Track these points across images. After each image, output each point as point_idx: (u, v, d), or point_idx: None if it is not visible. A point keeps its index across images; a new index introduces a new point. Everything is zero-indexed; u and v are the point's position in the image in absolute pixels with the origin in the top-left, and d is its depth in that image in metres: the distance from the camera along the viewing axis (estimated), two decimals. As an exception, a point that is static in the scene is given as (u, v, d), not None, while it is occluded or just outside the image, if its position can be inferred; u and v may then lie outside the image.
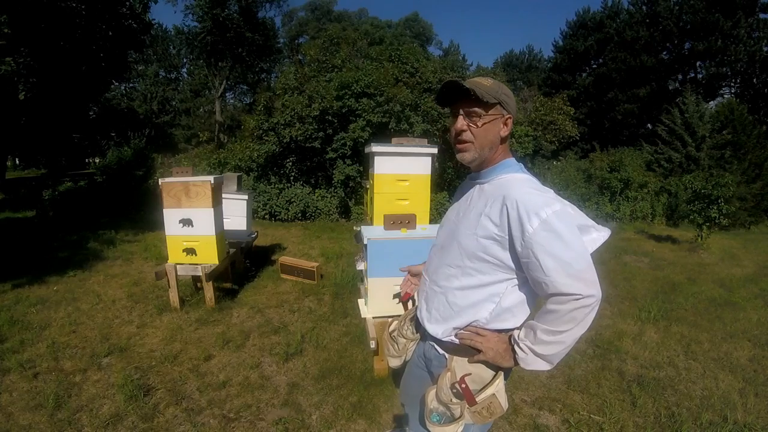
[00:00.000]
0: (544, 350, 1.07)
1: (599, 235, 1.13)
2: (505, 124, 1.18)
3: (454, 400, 1.20)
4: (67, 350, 3.09)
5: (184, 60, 30.91)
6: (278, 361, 2.98)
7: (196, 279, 4.31)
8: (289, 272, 4.79)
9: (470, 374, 1.20)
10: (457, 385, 1.18)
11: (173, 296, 3.85)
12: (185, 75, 32.48)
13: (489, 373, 1.19)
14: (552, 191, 1.11)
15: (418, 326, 1.40)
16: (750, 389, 2.73)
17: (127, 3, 10.91)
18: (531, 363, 1.11)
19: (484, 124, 1.15)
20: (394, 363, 1.50)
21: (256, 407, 2.47)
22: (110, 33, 10.74)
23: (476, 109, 1.15)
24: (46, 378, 2.72)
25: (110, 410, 2.39)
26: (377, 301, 2.73)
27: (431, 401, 1.24)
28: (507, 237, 1.08)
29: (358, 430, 2.30)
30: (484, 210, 1.14)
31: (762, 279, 5.38)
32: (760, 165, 11.11)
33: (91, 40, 10.37)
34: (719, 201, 6.70)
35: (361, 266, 3.15)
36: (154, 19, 13.97)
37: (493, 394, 1.16)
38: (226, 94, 27.65)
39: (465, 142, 1.18)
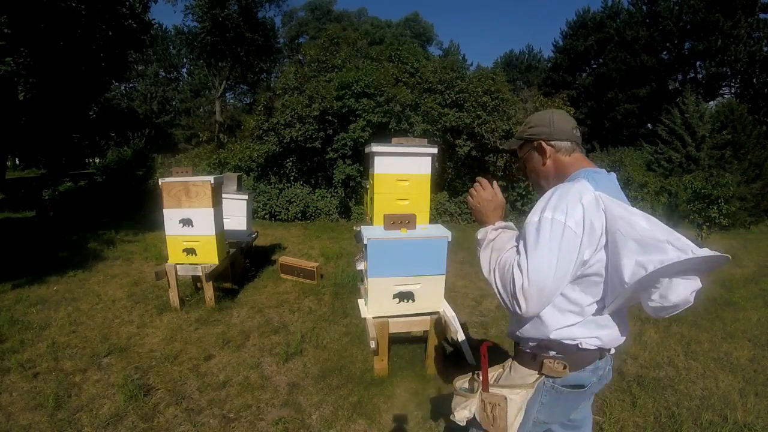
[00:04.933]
0: (481, 257, 1.20)
1: (677, 254, 0.94)
2: (540, 151, 1.25)
3: (478, 377, 1.25)
4: (67, 350, 3.09)
5: (184, 60, 30.90)
6: (278, 361, 2.98)
7: (196, 279, 4.31)
8: (289, 272, 4.79)
9: (506, 372, 1.25)
10: (482, 352, 1.22)
11: (173, 296, 3.85)
12: (185, 75, 32.52)
13: (520, 382, 1.21)
14: (589, 201, 1.04)
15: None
16: (750, 389, 2.73)
17: (127, 3, 10.91)
18: (479, 234, 1.26)
19: (525, 164, 1.32)
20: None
21: (256, 407, 2.47)
22: (110, 33, 10.74)
23: (517, 152, 1.34)
24: (46, 378, 2.72)
25: (110, 410, 2.39)
26: (377, 301, 2.73)
27: (468, 375, 1.31)
28: None
29: (358, 430, 2.30)
30: None
31: (762, 279, 5.38)
32: (760, 165, 11.11)
33: (91, 40, 10.37)
34: (719, 201, 6.71)
35: (361, 266, 3.15)
36: (154, 19, 13.98)
37: (505, 397, 1.16)
38: (226, 94, 27.65)
39: (531, 183, 1.35)
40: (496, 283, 1.11)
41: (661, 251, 0.95)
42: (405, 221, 2.73)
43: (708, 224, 6.89)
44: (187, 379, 2.73)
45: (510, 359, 1.29)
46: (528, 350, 1.21)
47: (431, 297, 2.78)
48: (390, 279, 2.68)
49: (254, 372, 2.84)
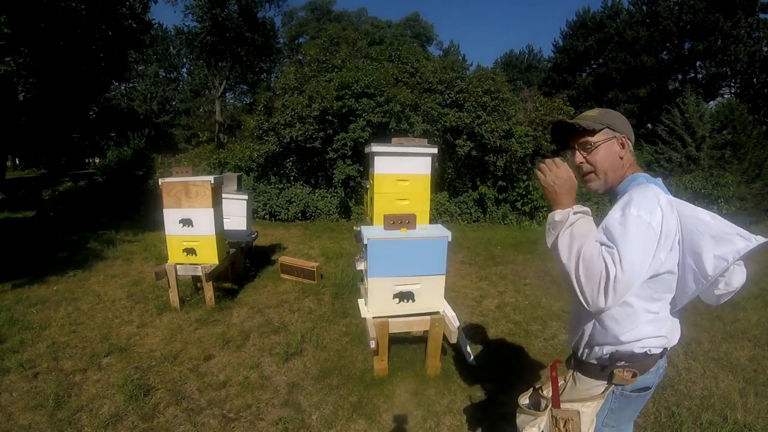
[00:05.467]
0: (563, 244, 1.11)
1: (746, 244, 1.06)
2: (622, 144, 1.22)
3: (545, 393, 1.24)
4: (67, 350, 3.09)
5: (184, 60, 30.91)
6: (278, 361, 2.98)
7: (196, 279, 4.31)
8: (289, 272, 4.79)
9: (569, 383, 1.24)
10: (552, 373, 1.21)
11: (173, 296, 3.85)
12: (185, 75, 32.51)
13: (590, 393, 1.20)
14: (665, 204, 1.09)
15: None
16: (750, 389, 2.73)
17: (127, 3, 10.90)
18: (555, 217, 1.16)
19: (598, 149, 1.21)
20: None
21: (256, 407, 2.47)
22: (110, 33, 10.74)
23: (587, 139, 1.22)
24: (46, 378, 2.72)
25: (110, 410, 2.39)
26: (377, 301, 2.73)
27: (531, 392, 1.30)
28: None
29: (358, 430, 2.30)
30: None
31: (762, 279, 5.37)
32: (760, 165, 11.11)
33: (91, 40, 10.37)
34: (719, 201, 6.70)
35: (361, 266, 3.15)
36: (154, 19, 13.98)
37: (578, 411, 1.16)
38: (226, 94, 27.64)
39: (586, 173, 1.25)
40: (578, 273, 1.05)
41: (732, 243, 1.06)
42: (405, 221, 2.73)
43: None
44: (187, 379, 2.73)
45: (571, 371, 1.28)
46: (595, 361, 1.21)
47: (431, 297, 2.78)
48: (390, 279, 2.68)
49: (254, 372, 2.84)
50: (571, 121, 1.23)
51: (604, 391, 1.18)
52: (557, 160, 1.22)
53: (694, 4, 20.68)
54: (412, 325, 2.84)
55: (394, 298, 2.73)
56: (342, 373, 2.84)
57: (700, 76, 22.60)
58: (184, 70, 32.36)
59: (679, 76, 23.24)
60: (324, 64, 10.45)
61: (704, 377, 2.89)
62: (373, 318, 2.72)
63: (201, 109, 29.40)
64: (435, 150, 3.10)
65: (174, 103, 30.13)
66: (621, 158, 1.22)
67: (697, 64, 22.54)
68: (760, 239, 1.05)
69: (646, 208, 1.06)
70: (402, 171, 3.06)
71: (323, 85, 9.40)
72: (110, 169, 10.11)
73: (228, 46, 22.17)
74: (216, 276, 4.00)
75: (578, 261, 1.06)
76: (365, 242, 2.64)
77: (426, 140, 3.24)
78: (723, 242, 1.06)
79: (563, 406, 1.18)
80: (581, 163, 1.24)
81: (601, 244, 1.07)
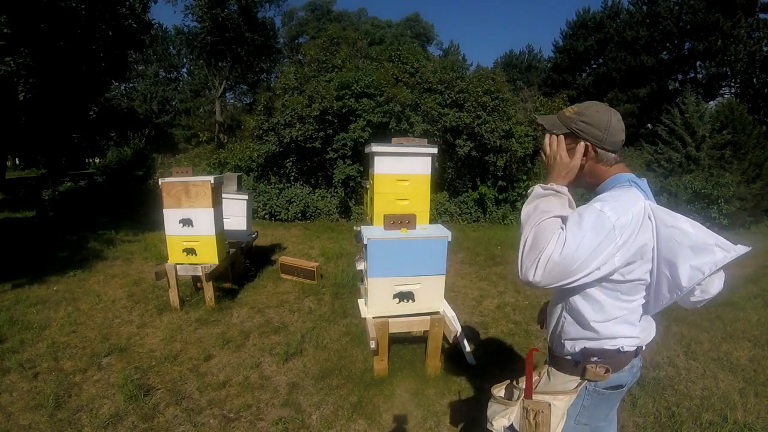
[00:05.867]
0: (526, 209, 1.14)
1: (725, 255, 1.02)
2: (584, 153, 1.18)
3: (519, 385, 1.25)
4: (67, 350, 3.09)
5: (184, 60, 30.92)
6: (278, 361, 2.98)
7: (196, 279, 4.31)
8: (289, 272, 4.79)
9: (544, 378, 1.24)
10: (527, 360, 1.21)
11: (173, 296, 3.85)
12: (185, 75, 32.52)
13: (562, 388, 1.20)
14: (641, 211, 1.07)
15: None
16: (750, 389, 2.73)
17: (127, 3, 10.90)
18: (529, 194, 1.20)
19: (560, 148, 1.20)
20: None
21: (256, 407, 2.47)
22: (110, 33, 10.73)
23: (554, 133, 1.21)
24: (46, 378, 2.72)
25: (110, 410, 2.39)
26: (377, 301, 2.73)
27: (505, 383, 1.30)
28: None
29: (358, 430, 2.30)
30: None
31: (762, 279, 5.37)
32: (760, 165, 11.10)
33: (91, 40, 10.36)
34: (719, 201, 6.70)
35: (361, 266, 3.15)
36: (154, 19, 13.97)
37: (549, 404, 1.16)
38: (226, 94, 27.65)
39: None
40: (526, 241, 1.06)
41: (711, 253, 1.02)
42: (405, 221, 2.73)
43: (708, 224, 6.88)
44: (187, 379, 2.73)
45: (546, 366, 1.29)
46: (568, 357, 1.21)
47: (431, 297, 2.78)
48: (390, 279, 2.68)
49: (254, 372, 2.84)
50: (539, 119, 1.24)
51: (576, 387, 1.18)
52: (562, 141, 1.20)
53: (694, 4, 20.69)
54: (412, 325, 2.84)
55: (394, 298, 2.73)
56: (342, 373, 2.84)
57: (700, 76, 22.61)
58: (184, 70, 32.41)
59: (679, 76, 23.26)
60: (324, 64, 10.45)
61: (704, 377, 2.89)
62: (373, 318, 2.72)
63: (201, 109, 29.40)
64: (435, 150, 3.10)
65: (174, 103, 30.14)
66: (582, 168, 1.19)
67: (697, 64, 22.55)
68: (740, 250, 1.03)
69: (615, 208, 1.03)
70: (402, 171, 3.06)
71: (323, 85, 9.40)
72: (110, 169, 10.11)
73: (228, 46, 22.18)
74: (216, 276, 4.00)
75: (531, 231, 1.06)
76: (365, 242, 2.64)
77: (426, 140, 3.24)
78: (701, 253, 1.03)
79: (535, 397, 1.18)
80: (547, 151, 1.23)
81: (562, 223, 1.07)
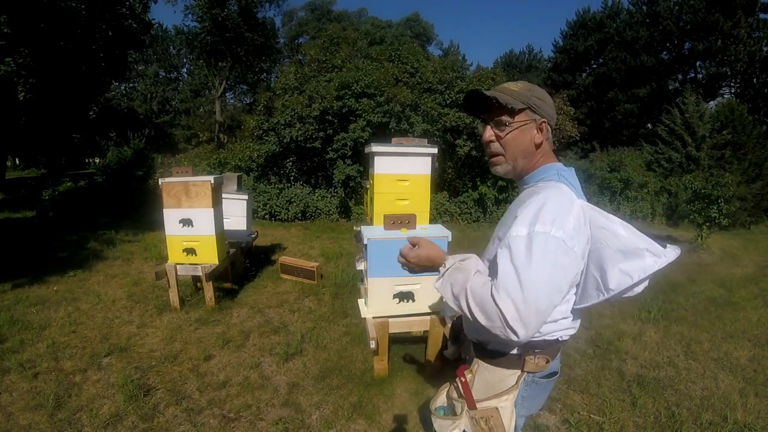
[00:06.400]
0: (452, 302, 1.05)
1: (655, 261, 0.98)
2: (540, 129, 1.10)
3: (457, 396, 1.19)
4: (67, 350, 3.09)
5: (184, 60, 30.92)
6: (278, 361, 2.98)
7: (196, 279, 4.31)
8: (289, 272, 4.79)
9: (479, 377, 1.18)
10: (460, 380, 1.16)
11: (173, 296, 3.85)
12: (185, 75, 32.52)
13: (503, 386, 1.15)
14: (578, 212, 1.02)
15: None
16: (750, 389, 2.73)
17: (127, 3, 10.90)
18: (437, 284, 1.11)
19: (512, 132, 1.09)
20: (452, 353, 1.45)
21: (256, 407, 2.47)
22: (110, 33, 10.73)
23: (503, 117, 1.08)
24: (46, 378, 2.72)
25: (110, 410, 2.39)
26: (377, 301, 2.73)
27: (442, 394, 1.24)
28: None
29: (358, 430, 2.30)
30: (510, 214, 1.12)
31: (762, 279, 5.38)
32: (760, 165, 11.11)
33: (91, 40, 10.36)
34: (719, 201, 6.69)
35: (361, 266, 3.15)
36: (154, 19, 13.96)
37: (496, 408, 1.12)
38: (226, 94, 27.66)
39: (495, 154, 1.13)
40: (470, 309, 0.98)
41: (641, 258, 0.99)
42: (405, 221, 2.73)
43: (708, 224, 6.88)
44: (187, 379, 2.73)
45: (476, 365, 1.19)
46: (508, 350, 1.15)
47: (431, 297, 2.78)
48: (390, 279, 2.68)
49: (254, 372, 2.84)
50: (488, 93, 1.07)
51: (517, 381, 1.14)
52: (403, 249, 1.20)
53: (694, 4, 20.69)
54: (412, 325, 2.84)
55: (394, 298, 2.73)
56: (342, 373, 2.84)
57: (700, 76, 22.61)
58: (184, 70, 32.41)
59: (679, 76, 23.25)
60: (324, 64, 10.45)
61: (704, 377, 2.89)
62: (373, 318, 2.72)
63: (201, 109, 29.39)
64: (435, 150, 3.10)
65: (174, 103, 30.13)
66: (537, 145, 1.11)
67: (697, 64, 22.55)
68: (671, 256, 0.99)
69: (557, 222, 0.96)
70: (402, 171, 3.06)
71: (323, 85, 9.40)
72: (110, 169, 10.11)
73: (228, 46, 22.18)
74: (216, 276, 4.00)
75: (466, 297, 0.99)
76: (365, 242, 2.64)
77: (426, 140, 3.24)
78: (631, 257, 0.99)
79: (479, 406, 1.13)
80: (491, 141, 1.11)
81: (496, 274, 0.98)
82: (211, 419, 2.35)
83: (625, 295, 1.05)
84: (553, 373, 1.21)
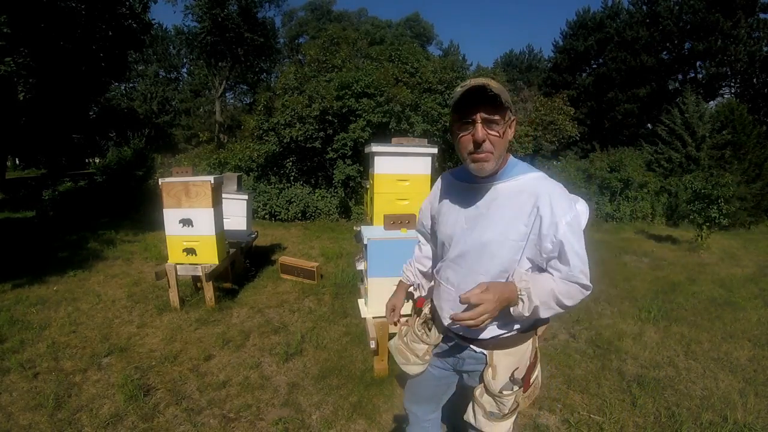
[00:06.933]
0: (543, 312, 1.14)
1: (583, 207, 1.23)
2: (511, 127, 1.15)
3: (506, 392, 1.23)
4: (67, 350, 3.09)
5: (184, 60, 30.92)
6: (278, 361, 2.98)
7: (196, 279, 4.31)
8: (289, 272, 4.79)
9: (501, 366, 1.25)
10: (515, 374, 1.25)
11: (173, 296, 3.85)
12: (185, 75, 32.52)
13: (526, 356, 1.28)
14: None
15: (439, 329, 1.39)
16: (750, 389, 2.73)
17: (127, 3, 10.90)
18: (524, 311, 1.12)
19: (504, 131, 1.11)
20: (416, 370, 1.46)
21: (256, 407, 2.47)
22: (110, 33, 10.73)
23: (497, 117, 1.08)
24: (46, 378, 2.72)
25: (110, 410, 2.39)
26: (377, 301, 2.73)
27: (481, 397, 1.27)
28: (537, 236, 1.13)
29: (358, 430, 2.30)
30: (512, 213, 1.14)
31: (762, 279, 5.38)
32: (760, 165, 11.10)
33: (91, 40, 10.36)
34: (719, 201, 6.70)
35: (361, 266, 3.15)
36: (154, 19, 13.96)
37: (537, 375, 1.30)
38: (226, 94, 27.65)
39: (485, 152, 1.10)
40: (563, 305, 1.14)
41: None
42: (405, 221, 2.73)
43: (708, 224, 6.88)
44: (187, 379, 2.73)
45: (491, 357, 1.25)
46: (522, 329, 1.27)
47: (431, 297, 2.77)
48: (390, 279, 2.68)
49: (254, 372, 2.84)
50: (496, 92, 1.02)
51: (532, 344, 1.30)
52: (473, 294, 1.03)
53: (694, 4, 20.68)
54: (412, 325, 2.84)
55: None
56: (342, 373, 2.84)
57: (700, 76, 22.60)
58: (184, 70, 32.41)
59: (679, 76, 23.24)
60: (324, 64, 10.45)
61: (704, 377, 2.89)
62: (373, 318, 2.72)
63: (201, 109, 29.41)
64: (435, 150, 3.11)
65: (174, 103, 30.14)
66: (505, 146, 1.17)
67: (697, 64, 22.54)
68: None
69: (569, 204, 1.14)
70: (402, 171, 3.07)
71: (323, 85, 9.40)
72: (110, 169, 10.11)
73: (228, 46, 22.18)
74: (216, 276, 4.00)
75: (555, 300, 1.13)
76: (365, 242, 2.64)
77: (426, 140, 3.25)
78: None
79: (532, 381, 1.29)
80: (484, 140, 1.08)
81: (567, 279, 1.14)
82: (211, 419, 2.35)
83: None
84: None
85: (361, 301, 3.00)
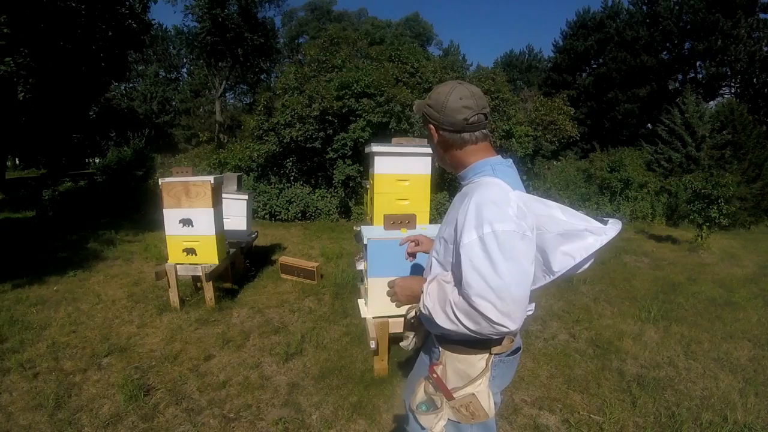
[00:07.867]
0: (441, 319, 1.06)
1: (596, 239, 1.03)
2: (433, 133, 1.18)
3: (434, 391, 1.22)
4: (67, 350, 3.09)
5: (184, 60, 30.94)
6: (278, 361, 2.98)
7: (196, 279, 4.31)
8: (289, 272, 4.79)
9: (450, 368, 1.21)
10: (433, 376, 1.20)
11: (173, 296, 3.85)
12: (185, 75, 32.54)
13: (474, 371, 1.17)
14: (516, 201, 1.04)
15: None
16: (750, 389, 2.73)
17: (127, 3, 10.90)
18: (422, 308, 1.14)
19: (433, 140, 1.19)
20: (412, 345, 1.45)
21: (256, 407, 2.47)
22: (110, 33, 10.72)
23: (427, 132, 1.21)
24: (46, 378, 2.72)
25: (110, 410, 2.40)
26: (377, 301, 2.73)
27: (420, 391, 1.27)
28: (455, 240, 1.08)
29: (358, 430, 2.30)
30: (453, 215, 1.15)
31: (762, 279, 5.38)
32: (760, 165, 11.10)
33: (91, 40, 10.35)
34: (719, 201, 6.69)
35: (361, 266, 3.15)
36: (154, 19, 13.99)
37: (473, 393, 1.15)
38: (226, 94, 27.68)
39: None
40: (459, 319, 1.00)
41: (582, 239, 1.03)
42: (405, 221, 2.73)
43: (708, 224, 6.88)
44: (187, 379, 2.74)
45: (443, 354, 1.21)
46: (478, 338, 1.17)
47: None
48: (390, 279, 2.68)
49: (254, 372, 2.84)
50: (415, 108, 1.22)
51: (486, 364, 1.16)
52: (391, 280, 1.28)
53: (694, 4, 20.69)
54: (412, 325, 2.84)
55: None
56: (342, 373, 2.84)
57: (700, 76, 22.61)
58: (184, 70, 32.43)
59: (679, 76, 23.25)
60: (324, 64, 10.45)
61: (704, 377, 2.89)
62: (373, 318, 2.72)
63: (201, 109, 29.39)
64: (435, 150, 3.10)
65: (174, 103, 30.13)
66: (444, 148, 1.18)
67: (697, 64, 22.55)
68: (611, 233, 1.03)
69: (500, 215, 0.98)
70: (402, 171, 3.07)
71: (323, 85, 9.40)
72: (110, 169, 10.11)
73: (228, 46, 22.19)
74: (216, 276, 4.00)
75: (454, 315, 1.01)
76: (365, 242, 2.64)
77: (426, 140, 3.25)
78: (572, 239, 1.03)
79: (457, 395, 1.17)
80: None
81: (466, 283, 0.99)
82: (211, 419, 2.36)
83: (576, 272, 1.09)
84: (518, 349, 1.25)
85: (361, 301, 3.00)
